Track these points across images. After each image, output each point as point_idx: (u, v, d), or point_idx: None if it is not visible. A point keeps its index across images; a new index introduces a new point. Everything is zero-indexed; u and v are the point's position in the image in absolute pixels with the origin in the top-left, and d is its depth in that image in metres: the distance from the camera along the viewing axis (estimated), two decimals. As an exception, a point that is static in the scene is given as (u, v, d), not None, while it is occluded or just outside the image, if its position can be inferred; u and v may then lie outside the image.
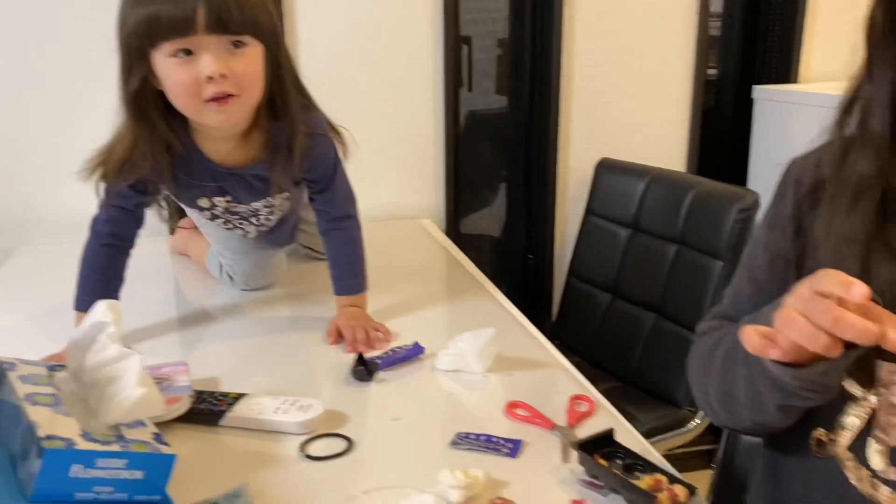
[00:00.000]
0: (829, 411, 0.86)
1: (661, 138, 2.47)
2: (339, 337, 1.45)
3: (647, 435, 1.92)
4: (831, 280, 0.67)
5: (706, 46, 2.42)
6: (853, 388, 0.83)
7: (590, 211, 2.31)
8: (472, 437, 1.13)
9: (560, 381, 1.33)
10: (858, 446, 0.84)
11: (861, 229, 0.81)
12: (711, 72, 2.62)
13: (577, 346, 2.28)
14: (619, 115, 2.41)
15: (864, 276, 0.76)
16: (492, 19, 2.42)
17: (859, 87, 0.84)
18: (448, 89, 2.25)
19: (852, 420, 0.84)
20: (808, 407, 0.83)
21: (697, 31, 2.39)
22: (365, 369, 1.30)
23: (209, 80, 1.26)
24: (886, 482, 0.82)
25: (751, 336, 0.71)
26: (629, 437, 1.14)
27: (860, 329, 0.64)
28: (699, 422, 1.95)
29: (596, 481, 1.03)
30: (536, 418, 1.18)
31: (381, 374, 1.32)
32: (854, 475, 0.85)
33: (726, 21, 2.63)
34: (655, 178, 2.15)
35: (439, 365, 1.34)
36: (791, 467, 0.93)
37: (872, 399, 0.82)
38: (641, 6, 2.35)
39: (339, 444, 1.10)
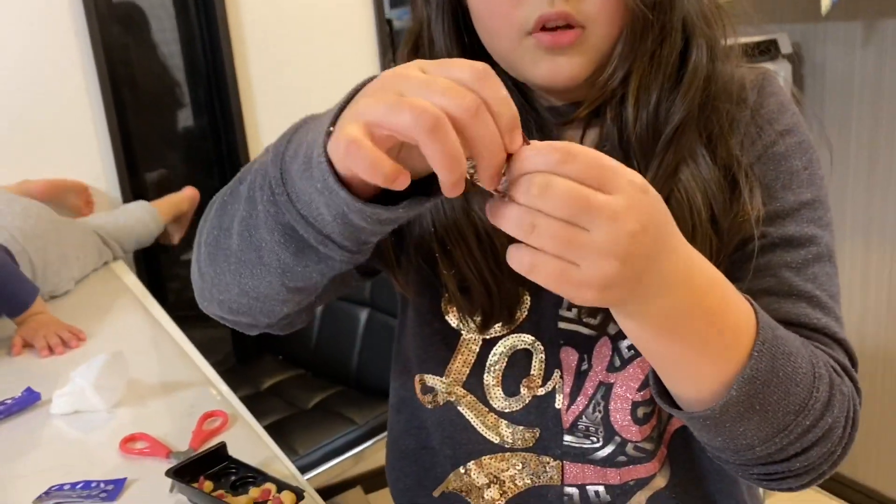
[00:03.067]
0: (434, 354, 0.77)
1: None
2: (23, 346, 1.42)
3: (370, 435, 1.84)
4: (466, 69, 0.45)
5: (387, 34, 2.38)
6: (455, 320, 0.75)
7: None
8: (68, 486, 0.94)
9: (199, 399, 1.17)
10: (474, 384, 0.76)
11: None
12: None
13: (301, 357, 2.14)
14: (308, 111, 2.31)
15: None
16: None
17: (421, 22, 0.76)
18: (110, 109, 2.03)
19: (461, 359, 0.76)
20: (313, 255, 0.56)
21: (376, 17, 2.34)
22: (-51, 433, 1.07)
23: None
24: (505, 416, 0.75)
25: (349, 136, 0.45)
26: (257, 443, 1.01)
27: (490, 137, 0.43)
28: (421, 411, 1.88)
29: (199, 508, 0.88)
30: (152, 449, 1.01)
31: (-24, 435, 1.10)
32: (472, 414, 0.77)
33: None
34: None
35: (55, 409, 1.14)
36: (406, 423, 0.84)
37: (476, 338, 0.75)
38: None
39: None
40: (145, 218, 2.00)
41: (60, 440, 1.10)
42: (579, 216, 0.45)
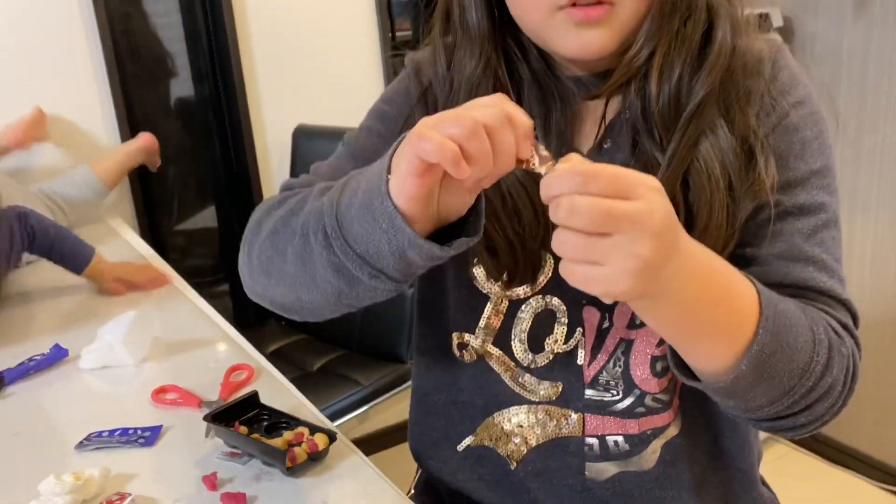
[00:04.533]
0: (466, 314, 0.82)
1: (354, 98, 2.42)
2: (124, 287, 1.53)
3: (375, 395, 1.89)
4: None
5: (387, 5, 2.40)
6: (487, 285, 0.80)
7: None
8: (105, 434, 0.99)
9: (223, 354, 1.22)
10: (503, 342, 0.81)
11: None
12: (405, 33, 2.60)
13: (304, 322, 2.18)
14: (309, 80, 2.33)
15: None
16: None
17: None
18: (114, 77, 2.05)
19: (490, 319, 0.81)
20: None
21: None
22: (-17, 387, 1.11)
23: None
24: (530, 371, 0.81)
25: (420, 133, 0.55)
26: (284, 394, 1.07)
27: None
28: (423, 372, 1.93)
29: (236, 450, 0.93)
30: (184, 399, 1.06)
31: (9, 389, 1.14)
32: (501, 369, 0.82)
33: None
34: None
35: (83, 364, 1.18)
36: (437, 379, 0.89)
37: (503, 301, 0.80)
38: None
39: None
40: (83, 187, 1.96)
41: (92, 393, 1.14)
42: (605, 226, 0.51)
